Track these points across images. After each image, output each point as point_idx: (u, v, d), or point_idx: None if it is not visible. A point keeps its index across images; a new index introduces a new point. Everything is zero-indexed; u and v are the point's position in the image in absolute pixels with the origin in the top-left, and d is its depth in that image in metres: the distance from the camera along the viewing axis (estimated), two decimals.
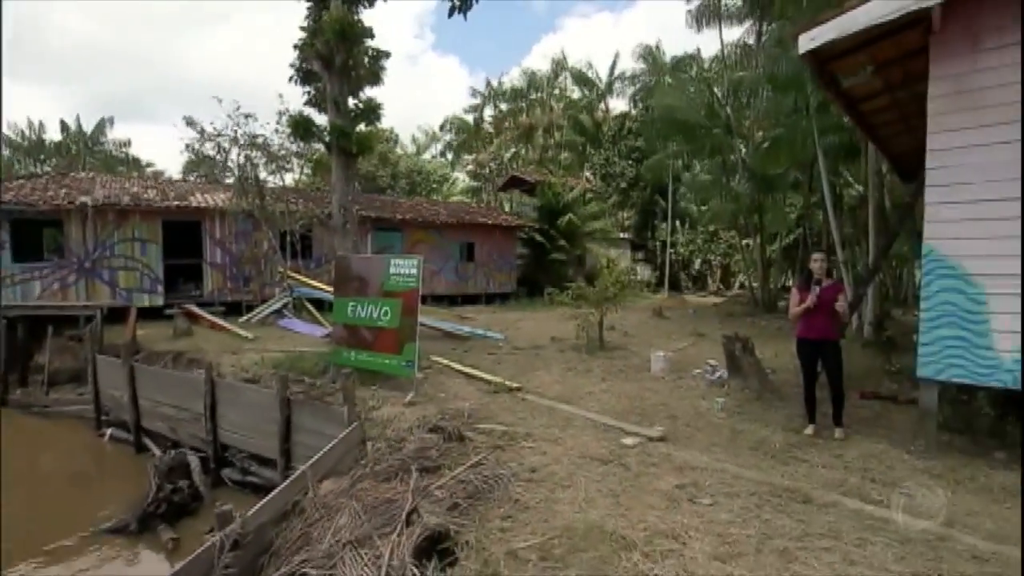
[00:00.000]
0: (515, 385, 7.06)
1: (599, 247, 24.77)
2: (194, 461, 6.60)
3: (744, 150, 18.28)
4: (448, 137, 36.54)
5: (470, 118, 34.94)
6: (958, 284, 4.45)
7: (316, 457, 4.76)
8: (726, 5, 18.50)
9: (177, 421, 7.43)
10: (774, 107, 14.13)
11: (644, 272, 28.76)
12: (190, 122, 14.00)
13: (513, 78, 35.90)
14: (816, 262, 5.22)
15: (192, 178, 21.74)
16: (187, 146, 14.22)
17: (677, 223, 27.87)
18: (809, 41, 4.65)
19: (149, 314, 13.08)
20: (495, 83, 34.56)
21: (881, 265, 8.28)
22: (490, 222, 20.73)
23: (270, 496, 4.38)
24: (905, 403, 5.86)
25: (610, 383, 7.42)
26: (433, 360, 8.59)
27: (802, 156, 14.20)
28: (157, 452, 7.39)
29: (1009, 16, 4.22)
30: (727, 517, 3.55)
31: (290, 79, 12.37)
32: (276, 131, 13.70)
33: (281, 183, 15.33)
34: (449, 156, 37.78)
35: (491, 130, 34.88)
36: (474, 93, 35.02)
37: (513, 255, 21.55)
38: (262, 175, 14.38)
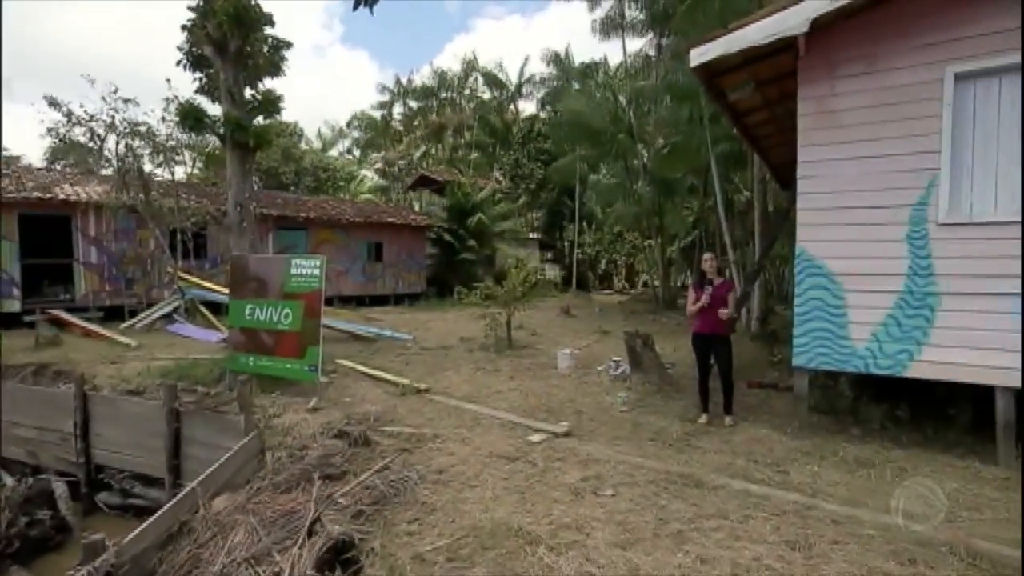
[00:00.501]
0: (423, 386, 7.01)
1: (508, 247, 25.17)
2: (60, 488, 5.91)
3: (646, 155, 19.40)
4: (356, 134, 35.41)
5: (379, 115, 34.09)
6: (824, 282, 5.03)
7: (208, 471, 4.45)
8: (629, 18, 19.55)
9: (39, 444, 6.61)
10: (672, 116, 15.13)
11: (552, 272, 29.61)
12: (53, 102, 12.48)
13: (424, 76, 35.46)
14: (707, 262, 5.66)
15: (59, 167, 19.37)
16: (50, 130, 12.66)
17: (584, 224, 28.99)
18: (699, 56, 5.04)
19: (3, 321, 11.50)
20: (405, 80, 34.02)
21: (764, 265, 9.16)
22: (399, 222, 20.38)
23: (152, 518, 4.03)
24: (785, 390, 6.50)
25: (518, 381, 7.58)
26: (338, 363, 8.32)
27: (698, 162, 15.31)
28: (9, 481, 6.50)
29: (856, 50, 4.83)
30: (627, 506, 3.76)
31: (178, 63, 11.40)
32: (163, 120, 12.56)
33: (170, 177, 14.08)
34: (357, 153, 36.61)
35: (400, 128, 34.28)
36: (383, 90, 34.20)
37: (422, 255, 21.35)
38: (147, 167, 13.11)
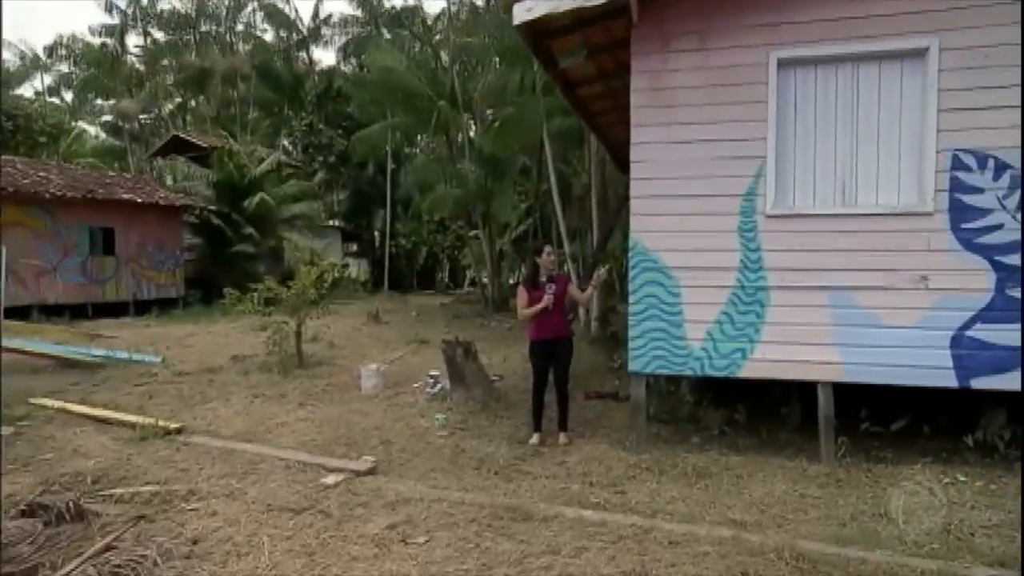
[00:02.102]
0: (175, 426, 6.39)
1: (301, 237, 24.04)
2: None
3: (473, 128, 19.95)
4: (65, 68, 30.73)
5: (103, 43, 29.98)
6: (660, 277, 5.62)
7: None
8: None
9: None
10: (503, 82, 15.69)
11: (359, 268, 28.98)
12: None
13: None
14: (546, 256, 5.96)
15: None
16: None
17: (399, 210, 28.83)
18: (524, 12, 5.31)
19: None
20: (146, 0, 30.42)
21: (601, 258, 10.03)
22: (141, 200, 18.26)
23: None
24: (625, 399, 7.12)
25: (310, 409, 7.35)
26: (38, 404, 7.22)
27: (531, 139, 16.12)
28: None
29: (689, 24, 5.49)
30: (444, 554, 3.80)
31: None
32: None
33: None
34: (69, 97, 31.90)
35: (141, 68, 30.67)
36: (110, 7, 30.03)
37: (178, 246, 19.42)
38: None
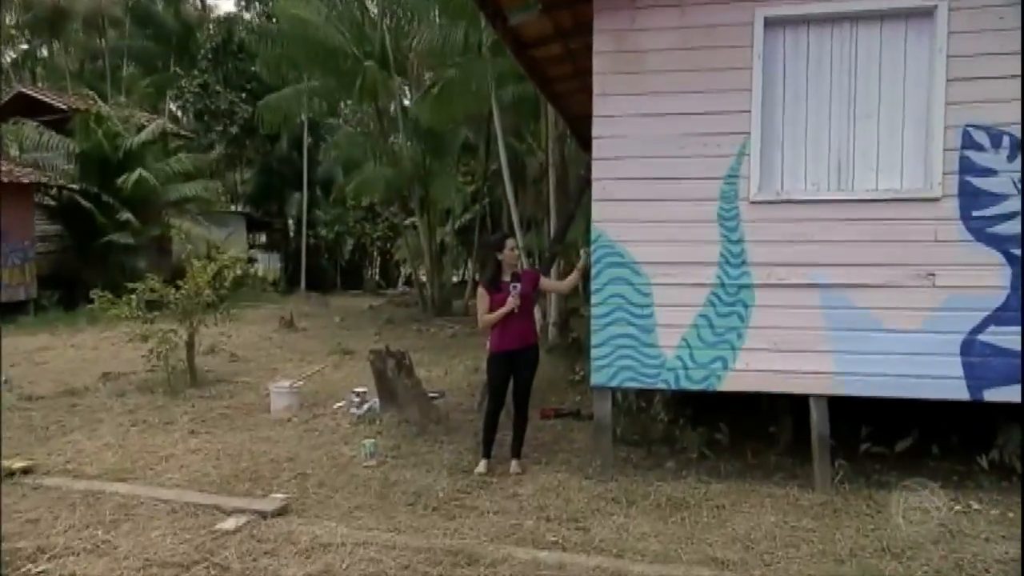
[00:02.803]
0: (20, 465, 6.16)
1: (195, 226, 23.39)
2: None
3: (408, 95, 19.81)
4: None
5: None
6: (627, 274, 5.72)
7: None
8: None
9: None
10: (443, 40, 15.54)
11: (270, 264, 28.51)
12: None
13: None
14: (509, 250, 6.02)
15: None
16: None
17: (319, 192, 28.46)
18: None
19: None
20: None
21: (558, 251, 10.08)
22: None
23: None
24: (588, 419, 7.22)
25: (205, 437, 7.21)
26: None
27: (477, 109, 16.07)
28: None
29: None
30: None
31: None
32: None
33: None
34: None
35: None
36: None
37: (28, 236, 18.64)
38: None
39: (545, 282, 6.25)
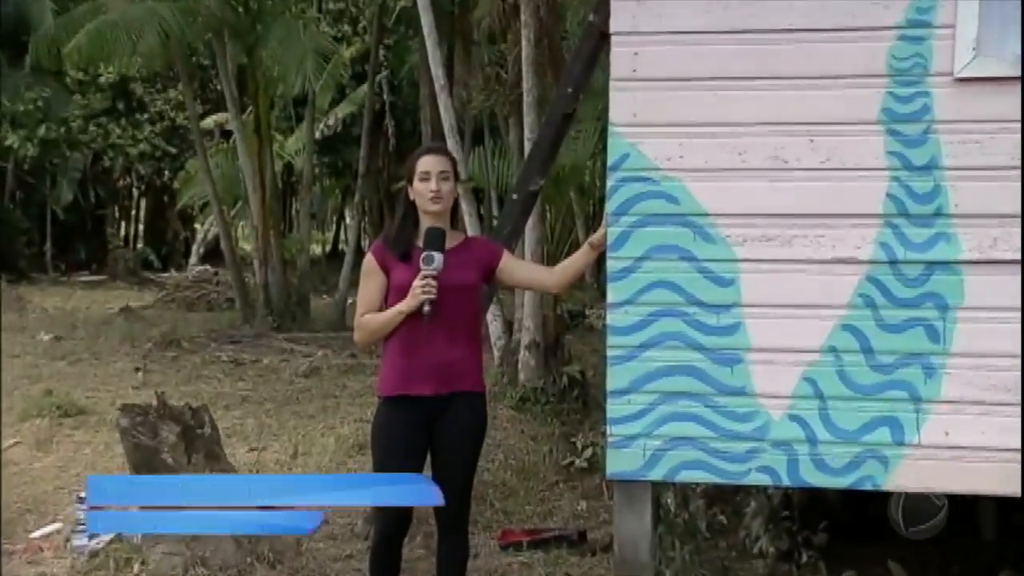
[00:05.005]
0: None
1: None
2: None
3: None
4: None
5: None
6: (683, 239, 3.35)
7: None
8: None
9: None
10: None
11: None
12: None
13: None
14: (438, 180, 2.95)
15: None
16: None
17: None
18: None
19: None
20: None
21: (538, 189, 6.07)
22: None
23: None
24: (604, 549, 4.42)
25: None
26: None
27: None
28: None
29: None
30: None
31: None
32: None
33: None
34: None
35: None
36: None
37: None
38: None
39: (511, 264, 3.19)
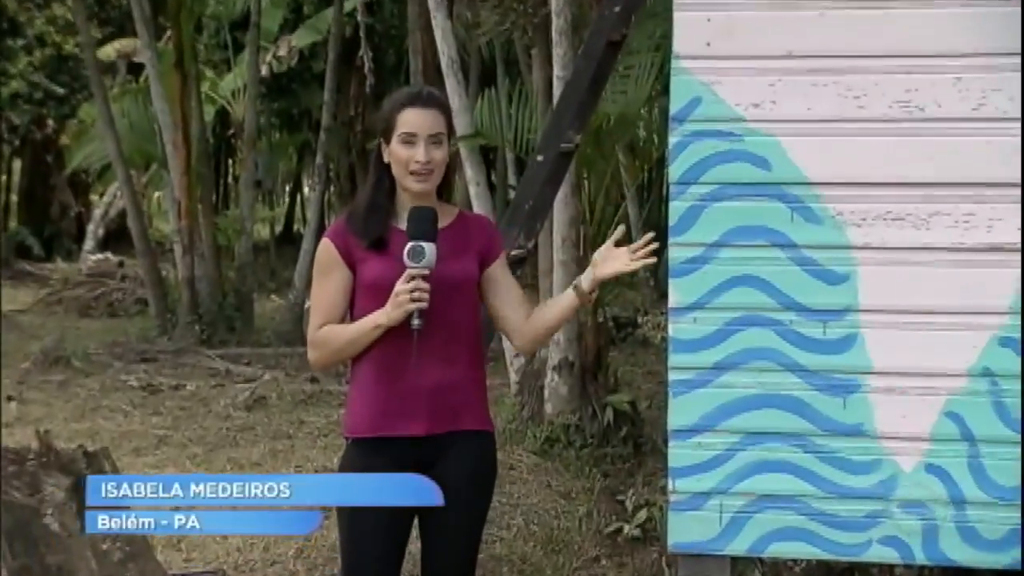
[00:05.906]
0: None
1: None
2: None
3: None
4: None
5: None
6: (776, 217, 3.27)
7: None
8: None
9: None
10: None
11: None
12: None
13: None
14: (427, 144, 2.29)
15: None
16: None
17: None
18: None
19: None
20: None
21: (570, 150, 5.13)
22: None
23: None
24: None
25: None
26: None
27: None
28: None
29: None
30: None
31: None
32: None
33: None
34: None
35: None
36: None
37: None
38: None
39: (497, 274, 2.36)
